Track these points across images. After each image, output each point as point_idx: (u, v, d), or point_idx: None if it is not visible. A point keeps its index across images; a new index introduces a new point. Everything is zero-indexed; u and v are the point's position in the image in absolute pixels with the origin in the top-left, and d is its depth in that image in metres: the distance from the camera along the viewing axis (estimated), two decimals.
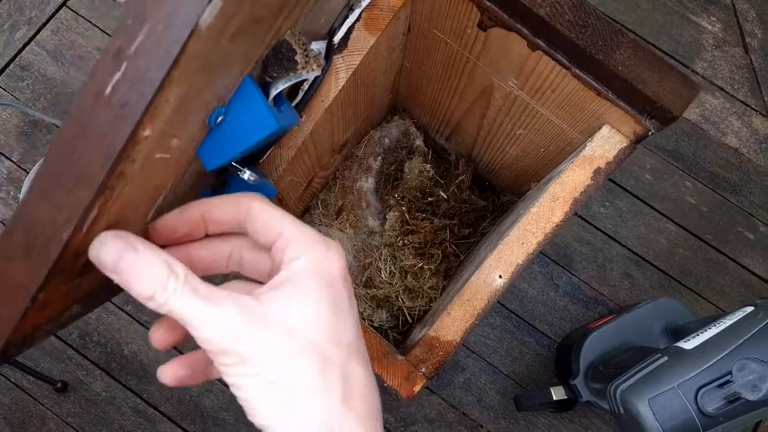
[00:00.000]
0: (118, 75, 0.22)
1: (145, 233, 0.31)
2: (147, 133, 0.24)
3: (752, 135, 1.05)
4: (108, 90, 0.22)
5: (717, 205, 1.03)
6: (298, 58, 0.35)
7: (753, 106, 1.07)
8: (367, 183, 0.88)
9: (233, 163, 0.42)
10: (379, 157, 0.88)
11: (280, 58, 0.35)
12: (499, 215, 0.90)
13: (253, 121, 0.33)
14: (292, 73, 0.35)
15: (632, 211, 1.02)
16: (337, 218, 0.88)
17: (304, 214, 0.87)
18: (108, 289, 0.40)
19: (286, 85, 0.37)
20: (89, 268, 0.31)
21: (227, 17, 0.24)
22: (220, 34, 0.25)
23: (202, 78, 0.27)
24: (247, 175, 0.41)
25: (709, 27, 1.10)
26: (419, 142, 0.90)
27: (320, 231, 0.85)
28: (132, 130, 0.22)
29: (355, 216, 0.88)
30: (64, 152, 0.23)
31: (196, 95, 0.28)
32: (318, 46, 0.48)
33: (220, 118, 0.33)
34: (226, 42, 0.26)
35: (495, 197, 0.91)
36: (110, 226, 0.29)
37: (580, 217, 1.01)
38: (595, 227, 1.01)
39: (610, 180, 1.03)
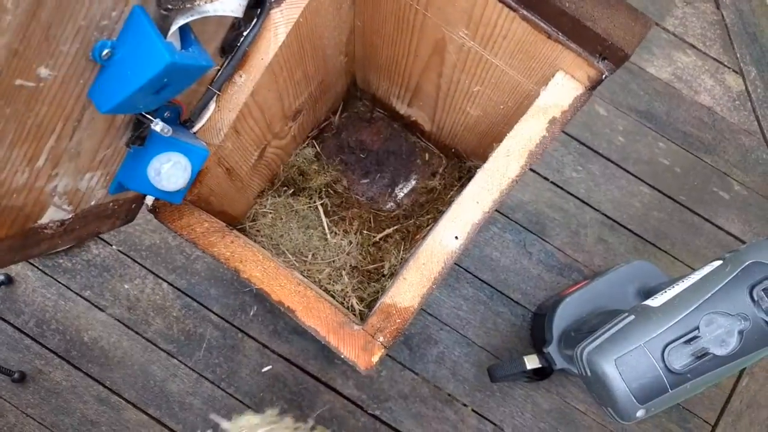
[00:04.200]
0: None
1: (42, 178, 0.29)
2: None
3: (725, 93, 1.03)
4: None
5: (691, 166, 1.00)
6: None
7: (726, 63, 1.04)
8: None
9: (144, 114, 0.38)
10: None
11: None
12: (468, 182, 0.87)
13: (144, 56, 0.30)
14: (189, 5, 0.32)
15: (605, 174, 1.00)
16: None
17: (269, 189, 0.84)
18: (8, 249, 0.36)
19: (188, 20, 0.34)
20: None
21: None
22: None
23: None
24: (159, 126, 0.37)
25: None
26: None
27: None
28: None
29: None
30: None
31: (57, 15, 0.25)
32: None
33: (106, 51, 0.29)
34: None
35: (461, 163, 0.88)
36: None
37: (552, 182, 0.99)
38: (568, 192, 0.99)
39: (582, 143, 1.00)
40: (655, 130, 1.01)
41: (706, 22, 1.05)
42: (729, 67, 1.04)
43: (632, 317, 0.59)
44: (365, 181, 0.91)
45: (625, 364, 0.55)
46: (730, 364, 0.53)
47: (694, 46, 1.04)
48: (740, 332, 0.53)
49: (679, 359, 0.54)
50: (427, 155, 0.92)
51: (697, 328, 0.54)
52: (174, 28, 0.33)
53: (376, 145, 0.92)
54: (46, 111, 0.30)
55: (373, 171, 0.91)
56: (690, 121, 1.02)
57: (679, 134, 1.01)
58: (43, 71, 0.26)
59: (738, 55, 1.03)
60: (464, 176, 0.89)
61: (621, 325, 0.59)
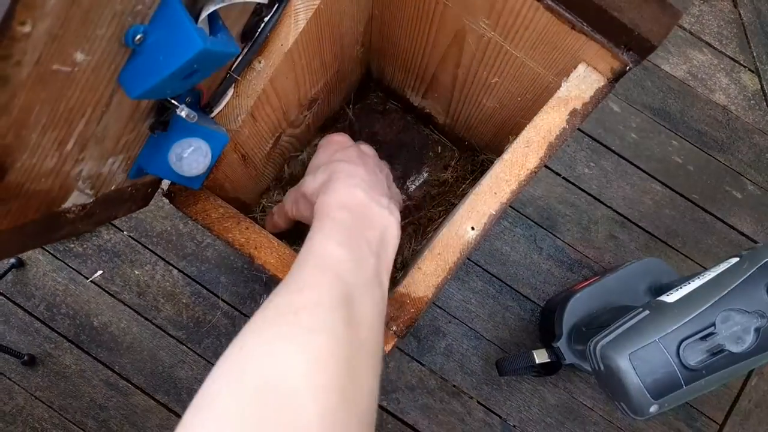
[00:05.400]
0: None
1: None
2: (27, 29, 0.22)
3: (741, 92, 1.02)
4: None
5: (704, 164, 1.00)
6: None
7: (742, 62, 1.03)
8: None
9: (169, 99, 0.38)
10: None
11: None
12: (480, 175, 0.87)
13: (177, 41, 0.30)
14: None
15: (618, 171, 0.99)
16: None
17: (276, 186, 0.83)
18: (32, 234, 0.36)
19: (220, 5, 0.34)
20: None
21: None
22: None
23: None
24: (185, 112, 0.37)
25: None
26: None
27: None
28: (2, 19, 0.20)
29: None
30: None
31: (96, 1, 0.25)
32: None
33: (139, 36, 0.29)
34: None
35: (474, 156, 0.88)
36: (5, 148, 0.26)
37: (564, 178, 0.98)
38: (580, 188, 0.98)
39: (595, 140, 1.00)
40: (668, 127, 1.01)
41: (722, 21, 1.04)
42: (745, 66, 1.03)
43: (647, 312, 0.59)
44: None
45: (639, 358, 0.55)
46: (745, 362, 0.53)
47: (710, 44, 1.03)
48: (756, 330, 0.53)
49: (694, 355, 0.54)
50: (439, 148, 0.92)
51: (713, 324, 0.54)
52: (205, 14, 0.33)
53: (388, 137, 0.92)
54: (78, 95, 0.30)
55: None
56: (704, 120, 1.01)
57: (693, 132, 1.01)
58: (79, 56, 0.26)
59: (754, 54, 1.02)
60: (476, 169, 0.88)
61: (636, 320, 0.59)
